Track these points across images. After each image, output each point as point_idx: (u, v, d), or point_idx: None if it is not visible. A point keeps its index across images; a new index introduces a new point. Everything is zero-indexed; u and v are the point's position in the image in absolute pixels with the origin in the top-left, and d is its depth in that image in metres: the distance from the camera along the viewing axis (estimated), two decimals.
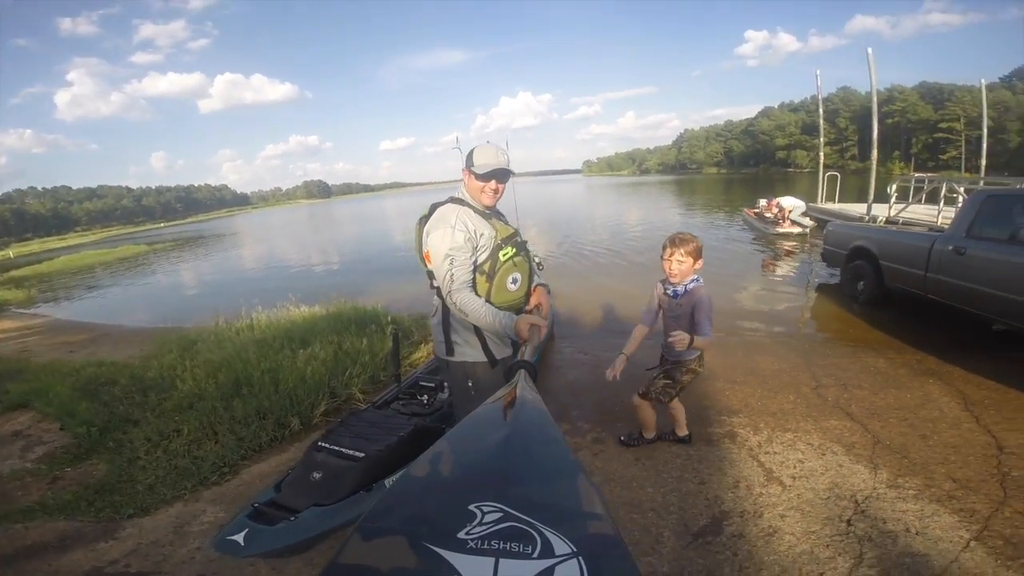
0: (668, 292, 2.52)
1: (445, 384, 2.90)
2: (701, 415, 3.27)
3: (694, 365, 2.59)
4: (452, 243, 1.78)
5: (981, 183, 10.01)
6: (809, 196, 14.46)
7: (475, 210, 1.88)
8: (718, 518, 2.30)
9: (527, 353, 1.48)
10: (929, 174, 12.97)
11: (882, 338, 4.71)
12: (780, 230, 12.95)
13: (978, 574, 1.91)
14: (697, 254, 2.41)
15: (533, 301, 1.97)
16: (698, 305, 2.38)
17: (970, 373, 3.72)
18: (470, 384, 1.93)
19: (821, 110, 17.43)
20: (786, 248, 11.25)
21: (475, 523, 0.70)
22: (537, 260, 2.09)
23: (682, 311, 2.46)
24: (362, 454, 2.06)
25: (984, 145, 16.21)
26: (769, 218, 13.78)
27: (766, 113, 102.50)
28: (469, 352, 1.92)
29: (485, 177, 1.86)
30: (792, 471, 2.63)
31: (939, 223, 8.59)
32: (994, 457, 2.66)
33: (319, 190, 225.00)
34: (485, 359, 1.91)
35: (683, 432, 2.91)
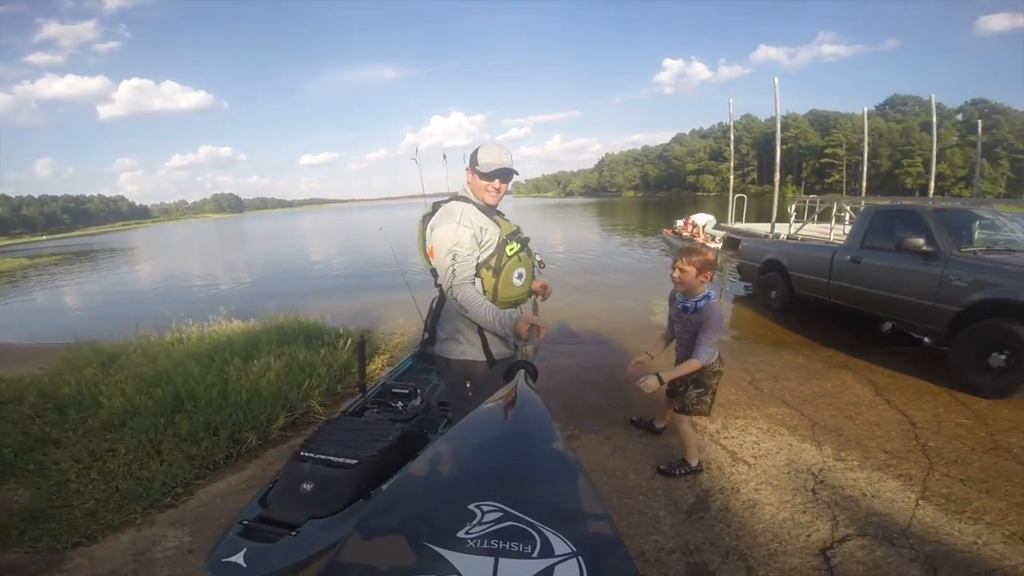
0: (679, 305, 2.56)
1: (419, 390, 2.87)
2: (658, 408, 3.50)
3: (717, 367, 2.55)
4: (456, 238, 1.77)
5: (863, 203, 11.60)
6: (719, 217, 15.79)
7: (478, 207, 1.89)
8: (702, 496, 2.51)
9: (527, 353, 1.49)
10: (820, 196, 14.76)
11: (797, 338, 5.30)
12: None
13: (935, 527, 2.26)
14: (702, 266, 2.40)
15: (536, 287, 2.02)
16: (704, 325, 2.39)
17: (873, 365, 4.32)
18: (468, 384, 1.91)
19: (732, 136, 19.27)
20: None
21: (475, 522, 0.70)
22: (539, 259, 2.12)
23: (692, 327, 2.47)
24: (355, 461, 1.97)
25: (864, 169, 18.77)
26: (686, 236, 14.97)
27: (679, 139, 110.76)
28: (469, 351, 1.90)
29: (489, 176, 1.86)
30: (752, 451, 2.93)
31: (831, 238, 9.81)
32: (910, 431, 3.13)
33: (230, 204, 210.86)
34: (484, 358, 1.89)
35: (694, 461, 2.70)
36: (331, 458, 2.01)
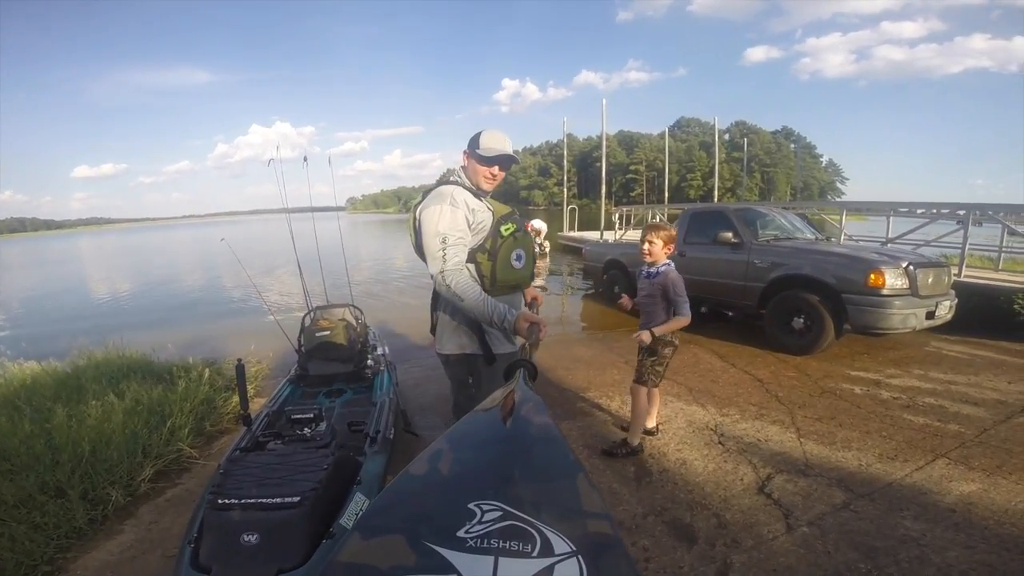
0: (643, 274, 2.81)
1: (324, 411, 2.60)
2: (564, 395, 3.83)
3: (671, 337, 2.77)
4: (446, 221, 1.68)
5: (665, 211, 13.88)
6: (550, 226, 17.47)
7: (472, 191, 1.82)
8: (640, 465, 2.78)
9: (527, 352, 1.45)
10: (635, 206, 17.16)
11: None
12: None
13: (824, 457, 2.82)
14: (667, 240, 2.73)
15: (529, 296, 1.96)
16: (671, 285, 2.66)
17: (709, 338, 5.24)
18: (471, 379, 1.84)
19: (566, 152, 21.21)
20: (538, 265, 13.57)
21: (475, 521, 0.70)
22: (539, 242, 2.02)
23: (654, 291, 2.74)
24: (296, 498, 1.69)
25: (667, 182, 22.39)
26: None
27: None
28: (468, 345, 1.83)
29: (490, 161, 1.81)
30: (655, 420, 3.29)
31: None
32: (761, 387, 3.89)
33: None
34: (483, 353, 1.82)
35: (651, 423, 3.04)
36: (263, 500, 1.69)
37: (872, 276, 4.50)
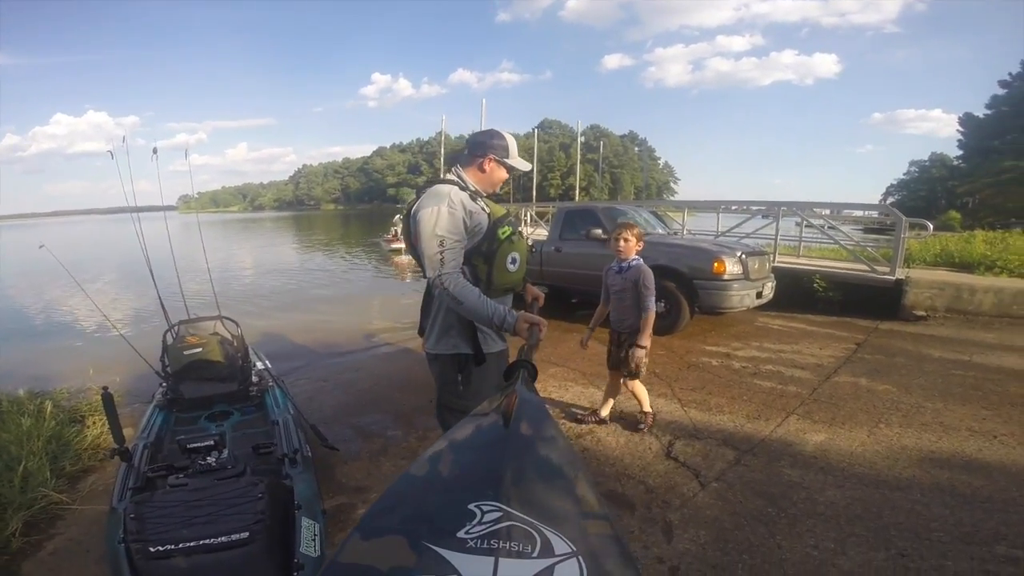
0: (614, 268, 2.96)
1: (226, 436, 2.26)
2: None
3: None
4: (444, 223, 1.64)
5: (534, 207, 14.60)
6: None
7: (468, 192, 1.76)
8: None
9: (527, 353, 1.43)
10: (517, 204, 17.75)
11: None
12: (394, 245, 15.47)
13: (706, 421, 3.20)
14: (638, 237, 2.93)
15: (530, 295, 1.95)
16: (642, 277, 2.83)
17: (587, 326, 5.54)
18: (459, 378, 1.80)
19: (443, 150, 21.09)
20: (399, 261, 13.73)
21: (475, 522, 0.69)
22: (530, 243, 1.95)
23: (626, 284, 2.88)
24: (245, 534, 1.53)
25: (534, 181, 23.52)
26: (388, 237, 16.13)
27: (380, 153, 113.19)
28: (460, 345, 1.79)
29: (511, 171, 1.83)
30: (560, 404, 3.59)
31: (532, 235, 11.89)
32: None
33: None
34: (473, 352, 1.79)
35: (605, 412, 3.22)
36: (206, 542, 1.50)
37: (716, 264, 5.26)
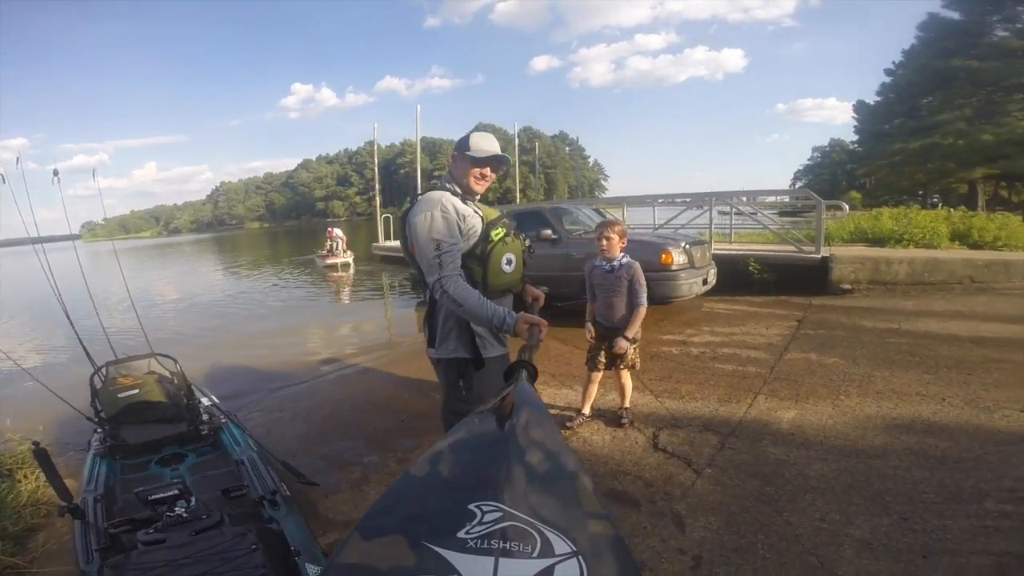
0: (605, 267, 2.96)
1: (187, 482, 2.00)
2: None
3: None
4: (439, 227, 1.69)
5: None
6: (355, 236, 16.78)
7: (459, 196, 1.81)
8: None
9: (527, 354, 1.41)
10: None
11: None
12: (328, 261, 14.91)
13: (683, 409, 3.23)
14: (621, 234, 2.97)
15: (530, 296, 1.97)
16: (636, 274, 2.91)
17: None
18: (461, 382, 1.83)
19: (376, 159, 20.55)
20: (336, 277, 13.39)
21: (475, 522, 0.70)
22: (527, 243, 1.96)
23: (618, 282, 2.91)
24: None
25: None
26: (323, 253, 15.50)
27: (305, 166, 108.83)
28: (460, 349, 1.81)
29: (482, 162, 1.82)
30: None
31: None
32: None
33: None
34: (473, 356, 1.80)
35: (587, 409, 3.22)
36: None
37: (664, 256, 5.42)
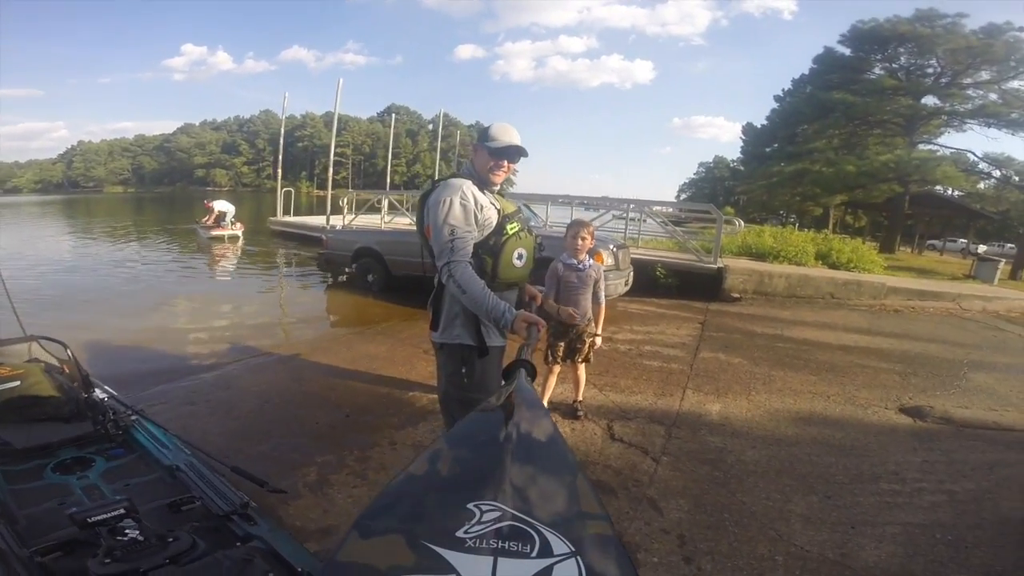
0: (577, 266, 3.05)
1: (133, 501, 1.63)
2: (393, 399, 3.58)
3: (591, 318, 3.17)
4: (456, 213, 1.72)
5: (388, 195, 13.96)
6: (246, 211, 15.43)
7: (479, 186, 1.83)
8: None
9: (526, 352, 1.39)
10: (368, 191, 16.64)
11: (414, 311, 6.03)
12: (215, 233, 13.66)
13: (627, 402, 3.42)
14: (593, 235, 3.11)
15: (528, 294, 1.99)
16: (601, 274, 3.10)
17: None
18: (463, 369, 1.84)
19: (283, 131, 18.72)
20: (223, 250, 12.40)
21: (474, 522, 0.70)
22: (538, 240, 1.91)
23: (589, 280, 3.06)
24: None
25: (389, 167, 22.48)
26: (209, 223, 14.12)
27: (186, 130, 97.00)
28: (463, 335, 1.83)
29: (499, 154, 1.82)
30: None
31: (382, 226, 11.31)
32: (540, 354, 4.26)
33: None
34: (477, 344, 1.82)
35: (580, 397, 3.35)
36: None
37: (596, 257, 5.69)
